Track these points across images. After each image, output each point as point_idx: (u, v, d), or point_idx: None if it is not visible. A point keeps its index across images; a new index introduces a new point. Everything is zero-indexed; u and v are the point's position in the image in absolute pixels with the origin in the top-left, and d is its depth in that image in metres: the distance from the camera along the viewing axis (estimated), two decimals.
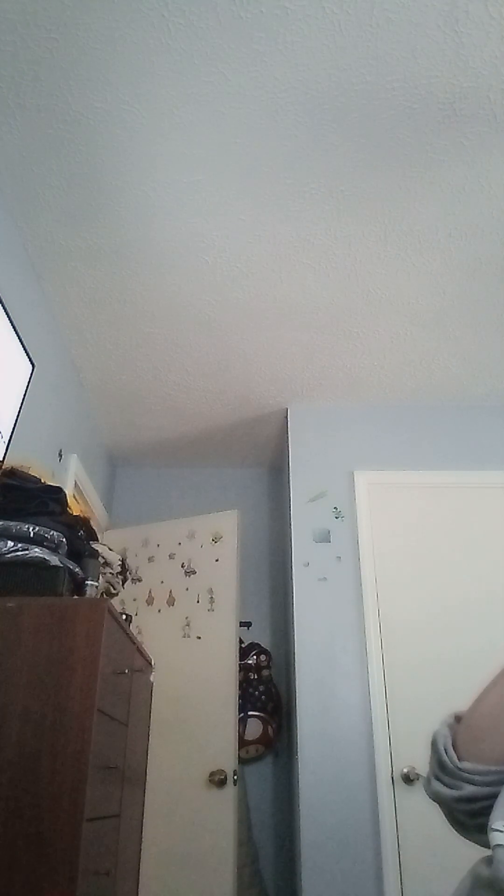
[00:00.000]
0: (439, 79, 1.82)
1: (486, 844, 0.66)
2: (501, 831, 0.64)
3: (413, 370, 3.24)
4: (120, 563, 2.16)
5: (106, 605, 1.58)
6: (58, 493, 1.87)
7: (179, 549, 3.53)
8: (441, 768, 0.78)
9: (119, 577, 2.15)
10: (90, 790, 1.39)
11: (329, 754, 2.77)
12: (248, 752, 3.32)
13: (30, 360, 2.08)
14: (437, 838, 2.57)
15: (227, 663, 3.11)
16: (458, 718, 0.83)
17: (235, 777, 2.88)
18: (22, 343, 2.00)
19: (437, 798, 0.79)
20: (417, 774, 2.68)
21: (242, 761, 3.28)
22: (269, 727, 3.37)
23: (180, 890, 2.75)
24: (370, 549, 3.14)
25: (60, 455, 2.95)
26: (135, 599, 3.43)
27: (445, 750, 0.78)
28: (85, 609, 1.55)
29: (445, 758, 0.78)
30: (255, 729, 3.34)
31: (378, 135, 1.99)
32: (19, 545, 1.63)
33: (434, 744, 0.80)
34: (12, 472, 1.85)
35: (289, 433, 3.50)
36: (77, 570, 1.74)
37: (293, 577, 3.13)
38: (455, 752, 0.78)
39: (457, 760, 0.77)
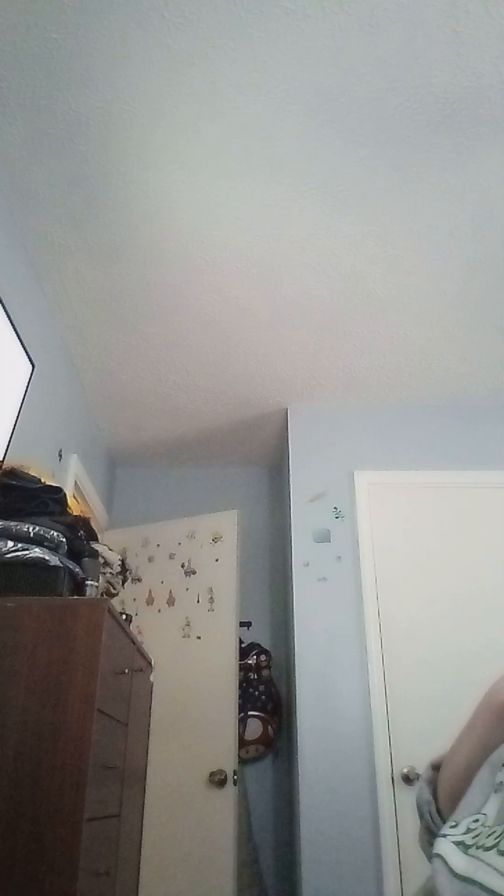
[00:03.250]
0: (439, 79, 1.82)
1: None
2: (445, 836, 0.59)
3: (413, 370, 3.24)
4: (120, 563, 2.16)
5: (106, 605, 1.58)
6: (58, 493, 1.87)
7: (179, 549, 3.53)
8: (431, 833, 0.72)
9: (119, 577, 2.15)
10: (90, 790, 1.39)
11: (329, 754, 2.77)
12: (248, 752, 3.32)
13: (30, 360, 2.08)
14: None
15: (227, 663, 3.11)
16: (435, 767, 0.76)
17: (235, 777, 2.88)
18: (22, 343, 2.00)
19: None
20: (417, 774, 2.68)
21: (242, 761, 3.28)
22: (269, 727, 3.37)
23: (180, 890, 2.75)
24: (370, 549, 3.14)
25: (60, 455, 2.95)
26: (135, 599, 3.43)
27: (431, 815, 0.72)
28: (85, 609, 1.55)
29: (432, 825, 0.71)
30: (255, 729, 3.34)
31: (378, 135, 1.99)
32: (19, 545, 1.63)
33: (418, 807, 0.74)
34: (12, 472, 1.85)
35: (289, 433, 3.50)
36: (77, 570, 1.74)
37: (293, 577, 3.13)
38: (440, 813, 0.71)
39: (442, 824, 0.70)
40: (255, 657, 3.54)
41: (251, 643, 3.64)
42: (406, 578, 3.09)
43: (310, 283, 2.64)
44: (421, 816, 0.73)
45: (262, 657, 3.56)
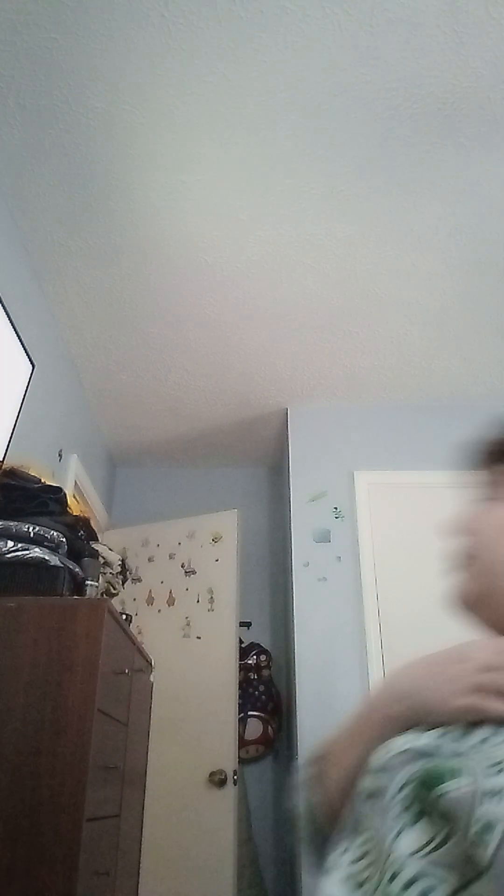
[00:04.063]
0: (439, 79, 1.82)
1: None
2: (333, 869, 0.52)
3: (413, 370, 3.24)
4: (120, 563, 2.16)
5: (106, 605, 1.58)
6: (58, 493, 1.87)
7: (179, 549, 3.53)
8: (320, 840, 0.63)
9: (119, 577, 2.15)
10: (90, 790, 1.39)
11: None
12: (248, 752, 3.32)
13: (30, 360, 2.08)
14: None
15: (227, 663, 3.11)
16: (316, 763, 0.65)
17: (235, 777, 2.88)
18: (22, 343, 2.00)
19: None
20: None
21: (242, 761, 3.27)
22: (269, 727, 3.37)
23: (180, 890, 2.75)
24: (370, 549, 3.14)
25: (60, 455, 2.94)
26: (135, 599, 3.43)
27: (318, 827, 0.62)
28: (85, 609, 1.55)
29: (324, 832, 0.61)
30: (255, 729, 3.34)
31: (378, 135, 1.99)
32: (19, 545, 1.63)
33: (302, 815, 0.65)
34: (12, 472, 1.85)
35: (289, 433, 3.50)
36: (77, 570, 1.74)
37: (293, 577, 3.13)
38: (330, 819, 0.61)
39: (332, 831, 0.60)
40: (255, 657, 3.54)
41: (251, 643, 3.63)
42: (406, 578, 3.09)
43: (310, 283, 2.64)
44: (304, 826, 0.64)
45: (262, 657, 3.56)
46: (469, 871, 0.43)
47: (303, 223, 2.33)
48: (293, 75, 1.81)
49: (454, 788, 0.45)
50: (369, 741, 0.57)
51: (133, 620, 3.02)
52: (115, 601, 1.95)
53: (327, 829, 0.61)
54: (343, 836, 0.54)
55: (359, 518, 3.22)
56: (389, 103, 1.89)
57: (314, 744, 0.67)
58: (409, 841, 0.46)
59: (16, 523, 1.68)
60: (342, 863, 0.51)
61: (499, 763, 0.46)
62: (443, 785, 0.46)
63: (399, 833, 0.47)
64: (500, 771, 0.45)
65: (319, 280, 2.62)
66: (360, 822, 0.52)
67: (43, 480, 1.88)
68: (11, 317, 1.94)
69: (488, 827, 0.42)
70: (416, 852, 0.45)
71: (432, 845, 0.45)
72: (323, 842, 0.61)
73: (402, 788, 0.49)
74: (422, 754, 0.50)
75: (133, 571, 3.50)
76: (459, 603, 0.66)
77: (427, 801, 0.47)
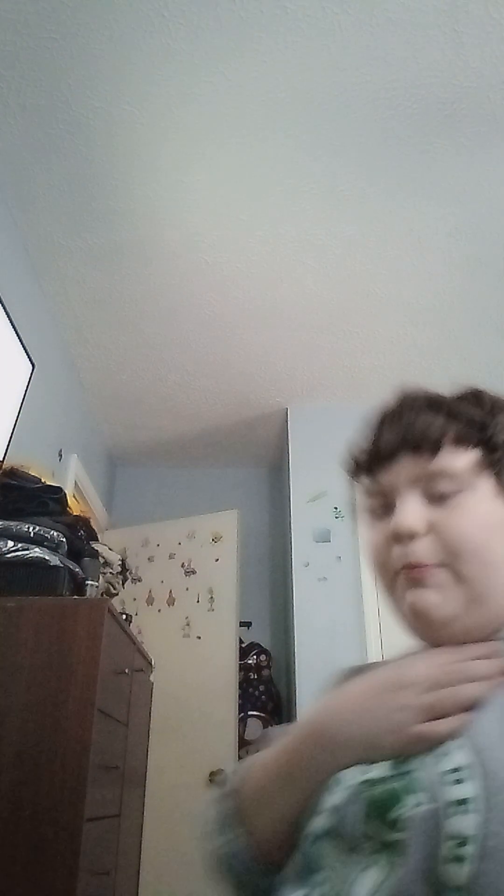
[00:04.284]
0: (439, 79, 1.82)
1: None
2: None
3: (413, 370, 3.23)
4: (120, 563, 2.16)
5: (106, 605, 1.58)
6: (58, 493, 1.87)
7: (179, 549, 3.53)
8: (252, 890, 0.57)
9: (119, 577, 2.15)
10: (90, 790, 1.39)
11: None
12: (248, 752, 3.32)
13: (30, 360, 2.08)
14: None
15: (227, 663, 3.11)
16: (231, 797, 0.60)
17: None
18: (22, 343, 2.00)
19: None
20: None
21: (242, 761, 3.27)
22: (269, 727, 3.36)
23: (180, 890, 2.75)
24: None
25: (60, 455, 2.94)
26: (135, 599, 3.43)
27: (238, 867, 0.57)
28: (85, 609, 1.55)
29: (256, 879, 0.56)
30: (255, 729, 3.34)
31: (378, 135, 1.99)
32: (19, 545, 1.63)
33: (224, 861, 0.59)
34: (12, 472, 1.85)
35: (289, 433, 3.49)
36: (77, 570, 1.74)
37: (293, 577, 3.13)
38: (267, 861, 0.56)
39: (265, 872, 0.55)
40: (255, 657, 3.54)
41: (251, 643, 3.63)
42: None
43: (310, 283, 2.64)
44: (233, 867, 0.58)
45: (262, 657, 3.56)
46: (434, 892, 0.40)
47: (303, 223, 2.33)
48: (293, 75, 1.81)
49: (412, 807, 0.43)
50: (309, 785, 0.53)
51: (133, 620, 3.02)
52: (115, 601, 1.95)
53: (257, 873, 0.56)
54: (291, 879, 0.50)
55: (359, 518, 3.21)
56: (389, 103, 1.89)
57: (228, 774, 0.63)
58: (365, 882, 0.44)
59: (16, 523, 1.68)
60: None
61: (456, 770, 0.43)
62: (398, 806, 0.44)
63: (360, 873, 0.45)
64: (458, 780, 0.42)
65: (319, 280, 2.62)
66: (312, 863, 0.49)
67: (43, 480, 1.88)
68: (11, 317, 1.94)
69: (464, 841, 0.40)
70: (372, 893, 0.43)
71: (383, 881, 0.43)
72: (256, 885, 0.56)
73: (360, 824, 0.46)
74: (375, 785, 0.47)
75: (133, 571, 3.50)
76: (432, 622, 0.56)
77: (381, 831, 0.44)
